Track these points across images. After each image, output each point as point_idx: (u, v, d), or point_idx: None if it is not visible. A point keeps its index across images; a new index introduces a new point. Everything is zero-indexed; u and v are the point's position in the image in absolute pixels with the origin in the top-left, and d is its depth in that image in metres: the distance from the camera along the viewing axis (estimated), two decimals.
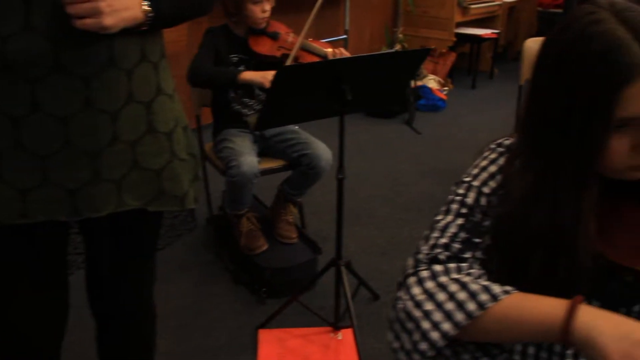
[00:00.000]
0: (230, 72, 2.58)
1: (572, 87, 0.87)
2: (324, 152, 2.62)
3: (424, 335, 0.88)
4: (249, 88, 2.67)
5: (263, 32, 2.71)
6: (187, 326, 2.46)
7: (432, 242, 1.00)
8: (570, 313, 0.81)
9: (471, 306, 0.87)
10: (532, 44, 2.94)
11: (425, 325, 0.89)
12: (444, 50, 5.90)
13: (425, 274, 0.95)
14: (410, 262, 1.01)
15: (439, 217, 1.04)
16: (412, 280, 0.95)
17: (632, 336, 0.78)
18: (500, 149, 1.08)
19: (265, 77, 2.47)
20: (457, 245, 0.99)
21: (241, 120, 2.69)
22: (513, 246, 0.97)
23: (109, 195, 1.30)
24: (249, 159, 2.46)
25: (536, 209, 0.94)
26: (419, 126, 4.84)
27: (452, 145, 4.39)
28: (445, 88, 5.72)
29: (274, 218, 2.85)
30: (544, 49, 0.95)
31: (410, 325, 0.90)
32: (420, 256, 1.00)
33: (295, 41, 2.67)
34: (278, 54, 2.64)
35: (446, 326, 0.87)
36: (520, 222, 0.95)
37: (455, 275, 0.94)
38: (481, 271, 0.98)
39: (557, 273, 0.94)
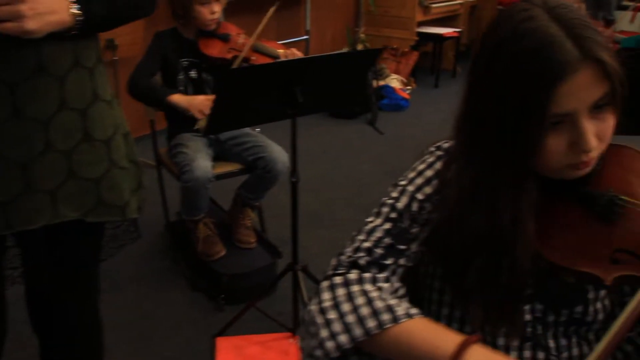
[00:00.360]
0: (160, 94, 2.51)
1: (506, 84, 0.86)
2: (280, 155, 2.59)
3: (321, 343, 0.87)
4: (202, 92, 2.62)
5: (213, 34, 2.66)
6: (143, 336, 2.40)
7: (356, 244, 0.99)
8: (459, 351, 0.80)
9: (371, 323, 0.86)
10: None
11: (324, 333, 0.87)
12: (406, 50, 5.91)
13: (338, 280, 0.93)
14: (333, 262, 0.99)
15: (370, 219, 1.02)
16: (325, 284, 0.94)
17: None
18: (439, 152, 1.06)
19: (192, 102, 2.41)
20: (379, 251, 0.97)
21: (195, 125, 2.64)
22: (452, 251, 0.96)
23: (43, 207, 1.25)
24: (202, 164, 2.42)
25: (474, 211, 0.93)
26: (382, 126, 4.83)
27: (415, 144, 4.32)
28: (408, 87, 5.73)
29: (232, 223, 2.81)
30: (478, 46, 0.93)
31: (313, 329, 0.89)
32: (343, 258, 0.98)
33: (247, 42, 2.63)
34: (229, 56, 2.60)
35: (343, 338, 0.86)
36: (458, 227, 0.94)
37: (367, 287, 0.92)
38: (397, 284, 0.96)
39: (498, 276, 0.93)
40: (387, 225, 0.99)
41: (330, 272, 0.97)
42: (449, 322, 1.08)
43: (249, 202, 2.78)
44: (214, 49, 2.65)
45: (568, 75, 0.82)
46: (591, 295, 1.01)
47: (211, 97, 2.39)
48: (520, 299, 0.98)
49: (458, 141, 0.99)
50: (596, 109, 0.86)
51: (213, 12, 2.57)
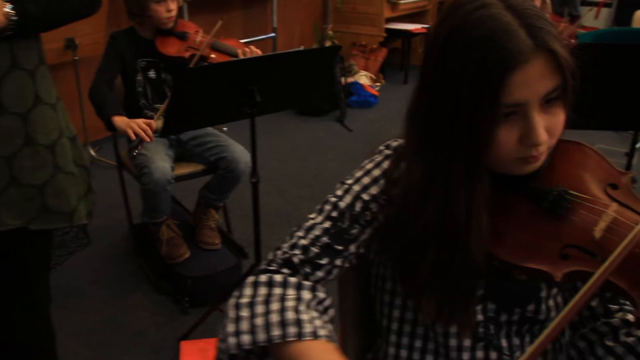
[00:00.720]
0: (106, 111, 2.40)
1: (458, 74, 0.84)
2: (242, 154, 2.55)
3: (225, 337, 0.86)
4: (161, 93, 2.57)
5: (170, 33, 2.61)
6: (105, 343, 2.35)
7: (293, 240, 0.98)
8: None
9: (276, 332, 0.85)
10: None
11: (230, 328, 0.86)
12: (374, 46, 5.90)
13: (263, 278, 0.92)
14: (269, 256, 0.98)
15: (311, 216, 1.01)
16: (250, 280, 0.93)
17: None
18: (387, 151, 1.04)
19: (130, 125, 2.32)
20: (315, 250, 0.96)
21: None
22: (403, 248, 0.94)
23: None
24: (161, 165, 2.37)
25: (426, 206, 0.91)
26: (351, 123, 4.82)
27: (384, 141, 4.36)
28: (377, 84, 5.73)
29: (196, 224, 2.76)
30: (431, 36, 0.91)
31: (225, 321, 0.88)
32: (278, 253, 0.97)
33: (205, 40, 2.58)
34: (187, 54, 2.55)
35: (245, 338, 0.85)
36: (409, 223, 0.92)
37: (288, 292, 0.91)
38: (322, 295, 0.94)
39: (450, 272, 0.92)
40: (327, 224, 0.98)
41: (262, 267, 0.96)
42: (401, 324, 1.06)
43: (213, 203, 2.74)
44: (172, 48, 2.60)
45: (521, 64, 0.80)
46: (543, 293, 1.00)
47: (149, 121, 2.32)
48: (472, 297, 0.97)
49: (409, 137, 0.97)
50: (547, 102, 0.85)
51: (169, 10, 2.52)
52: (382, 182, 0.99)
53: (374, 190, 0.99)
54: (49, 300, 1.50)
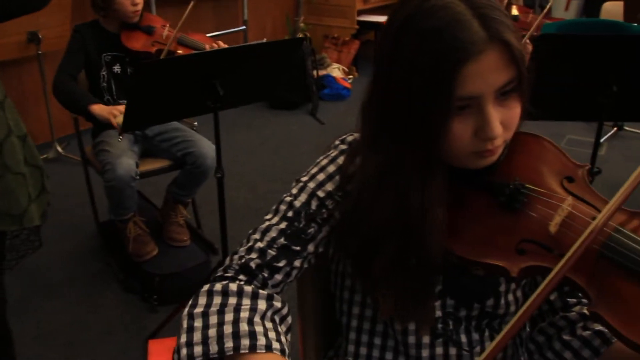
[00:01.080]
0: (82, 102, 2.38)
1: (411, 65, 0.82)
2: (209, 149, 2.51)
3: (179, 348, 0.84)
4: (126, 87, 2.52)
5: (136, 27, 2.56)
6: (73, 343, 2.30)
7: (250, 244, 0.95)
8: None
9: (228, 344, 0.82)
10: None
11: (183, 338, 0.84)
12: (347, 39, 5.87)
13: (218, 287, 0.89)
14: (226, 262, 0.95)
15: (267, 216, 0.98)
16: (205, 288, 0.90)
17: None
18: (343, 146, 1.03)
19: (112, 112, 2.30)
20: (272, 252, 0.94)
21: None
22: (360, 243, 0.92)
23: None
24: (125, 162, 2.32)
25: (381, 200, 0.89)
26: (323, 116, 4.80)
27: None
28: (350, 76, 5.70)
29: (164, 221, 2.72)
30: (385, 26, 0.89)
31: (179, 331, 0.86)
32: (235, 258, 0.94)
33: (171, 35, 2.54)
34: (153, 49, 2.51)
35: (197, 349, 0.82)
36: (365, 217, 0.90)
37: (244, 302, 0.88)
38: (279, 305, 0.92)
39: (407, 268, 0.90)
40: (283, 225, 0.96)
41: (219, 274, 0.93)
42: (360, 322, 1.05)
43: (181, 199, 2.70)
44: (137, 42, 2.55)
45: (474, 56, 0.78)
46: (502, 287, 1.00)
47: None
48: (430, 293, 0.96)
49: (363, 130, 0.95)
50: (502, 95, 0.83)
51: (135, 4, 2.47)
52: (337, 178, 0.97)
53: (329, 186, 0.97)
54: (4, 303, 1.45)
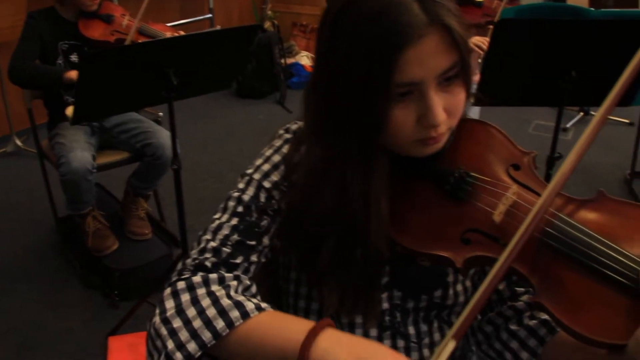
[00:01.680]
0: (54, 72, 2.33)
1: (350, 50, 0.79)
2: (168, 140, 2.44)
3: (168, 356, 0.78)
4: None
5: (95, 15, 2.48)
6: (31, 342, 2.25)
7: (202, 245, 0.90)
8: (309, 339, 0.74)
9: (220, 324, 0.78)
10: None
11: (170, 344, 0.78)
12: (315, 26, 5.79)
13: (181, 285, 0.84)
14: (178, 267, 0.90)
15: (216, 216, 0.94)
16: (167, 292, 0.84)
17: None
18: (287, 135, 1.00)
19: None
20: (227, 250, 0.89)
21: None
22: (304, 234, 0.90)
23: None
24: (79, 155, 2.26)
25: (324, 190, 0.86)
26: (291, 105, 4.75)
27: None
28: None
29: (125, 214, 2.66)
30: (325, 11, 0.85)
31: (158, 343, 0.80)
32: (188, 261, 0.89)
33: (132, 24, 2.47)
34: (112, 39, 2.44)
35: (192, 347, 0.77)
36: (308, 208, 0.88)
37: (213, 288, 0.84)
38: (248, 282, 0.89)
39: (352, 260, 0.88)
40: (234, 221, 0.91)
41: (174, 278, 0.87)
42: (306, 316, 1.02)
43: (141, 192, 2.64)
44: (96, 31, 2.47)
45: (413, 40, 0.75)
46: (450, 278, 0.98)
47: None
48: (376, 285, 0.93)
49: (307, 119, 0.92)
50: (446, 81, 0.80)
51: None
52: (282, 168, 0.94)
53: (275, 177, 0.94)
54: None
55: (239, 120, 4.44)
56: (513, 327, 0.96)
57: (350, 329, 0.97)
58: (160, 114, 4.09)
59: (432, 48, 0.77)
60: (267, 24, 5.42)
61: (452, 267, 0.83)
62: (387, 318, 0.97)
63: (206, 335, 0.78)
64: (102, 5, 2.51)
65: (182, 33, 2.53)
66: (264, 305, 0.81)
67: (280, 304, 1.08)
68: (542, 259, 0.80)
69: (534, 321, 0.94)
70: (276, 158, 0.95)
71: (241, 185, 0.94)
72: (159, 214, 2.91)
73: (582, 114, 4.40)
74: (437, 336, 1.00)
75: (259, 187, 0.93)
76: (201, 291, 0.83)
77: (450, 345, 0.74)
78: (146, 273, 2.48)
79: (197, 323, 0.79)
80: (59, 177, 2.32)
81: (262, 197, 0.93)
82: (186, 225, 2.33)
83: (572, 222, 0.80)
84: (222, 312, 0.79)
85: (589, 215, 0.82)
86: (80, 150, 2.27)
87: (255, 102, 4.84)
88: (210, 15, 4.90)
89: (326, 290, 0.92)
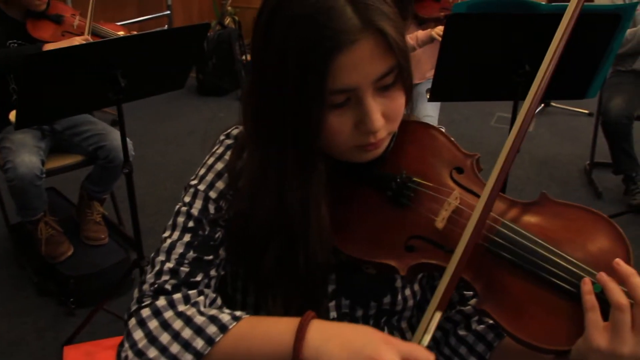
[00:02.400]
0: (27, 50, 2.20)
1: (282, 55, 0.76)
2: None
3: None
4: None
5: (43, 15, 2.40)
6: None
7: (157, 267, 0.85)
8: (299, 341, 0.72)
9: (199, 343, 0.75)
10: None
11: None
12: None
13: (145, 312, 0.79)
14: (136, 294, 0.85)
15: (166, 234, 0.89)
16: (132, 322, 0.80)
17: (362, 353, 0.69)
18: (229, 141, 0.96)
19: (72, 42, 2.15)
20: (185, 269, 0.85)
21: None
22: (248, 243, 0.87)
23: None
24: (27, 159, 2.18)
25: (264, 198, 0.84)
26: None
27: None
28: None
29: (80, 219, 2.59)
30: (258, 12, 0.82)
31: None
32: (145, 287, 0.84)
33: (83, 24, 2.39)
34: (63, 39, 2.35)
35: None
36: (251, 216, 0.85)
37: (181, 308, 0.80)
38: (213, 295, 0.86)
39: (295, 269, 0.85)
40: (187, 237, 0.87)
41: (134, 307, 0.82)
42: None
43: (96, 195, 2.58)
44: (45, 32, 2.39)
45: (346, 45, 0.72)
46: (399, 283, 0.96)
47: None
48: (323, 293, 0.90)
49: (246, 124, 0.89)
50: (384, 86, 0.78)
51: None
52: (226, 176, 0.90)
53: (220, 185, 0.90)
54: None
55: (200, 119, 4.38)
56: (461, 332, 0.95)
57: None
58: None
59: (366, 53, 0.74)
60: (228, 20, 5.34)
61: (397, 275, 0.81)
62: None
63: (187, 359, 0.74)
64: (51, 5, 2.43)
65: (134, 33, 2.47)
66: (238, 313, 0.79)
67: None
68: (486, 266, 0.78)
69: (482, 326, 0.93)
70: (219, 166, 0.91)
71: (187, 199, 0.90)
72: (116, 217, 2.84)
73: (542, 105, 4.44)
74: None
75: (206, 198, 0.89)
76: (169, 314, 0.79)
77: (437, 316, 0.74)
78: (103, 279, 2.41)
79: (174, 348, 0.75)
80: (6, 183, 2.24)
81: (211, 208, 0.88)
82: (145, 228, 2.28)
83: (515, 227, 0.79)
84: (199, 331, 0.76)
85: (531, 219, 0.81)
86: (27, 155, 2.19)
87: (216, 99, 4.77)
88: (168, 12, 4.81)
89: (271, 299, 0.89)
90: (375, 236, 0.85)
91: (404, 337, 0.99)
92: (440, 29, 2.55)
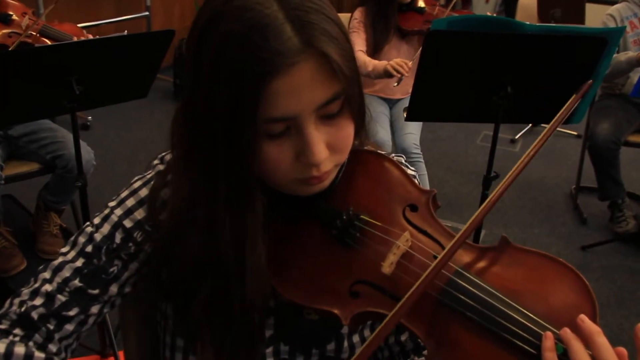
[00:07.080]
0: None
1: (213, 77, 0.66)
2: (83, 151, 2.24)
3: None
4: None
5: None
6: None
7: (37, 285, 0.79)
8: None
9: None
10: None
11: None
12: None
13: None
14: (5, 306, 0.78)
15: (64, 249, 0.81)
16: None
17: None
18: (161, 167, 0.86)
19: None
20: (62, 298, 0.77)
21: None
22: (175, 283, 0.78)
23: None
24: None
25: (191, 235, 0.74)
26: None
27: None
28: None
29: (36, 230, 2.45)
30: (191, 27, 0.72)
31: None
32: (15, 305, 0.77)
33: (36, 25, 2.25)
34: (10, 41, 2.22)
35: None
36: (175, 254, 0.76)
37: None
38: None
39: (227, 313, 0.76)
40: (79, 262, 0.79)
41: None
42: None
43: (54, 206, 2.44)
44: None
45: (283, 69, 0.63)
46: (345, 329, 0.86)
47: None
48: (258, 339, 0.81)
49: (174, 150, 0.80)
50: (328, 114, 0.69)
51: None
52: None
53: (138, 215, 0.80)
54: None
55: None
56: None
57: None
58: (90, 117, 3.86)
59: (306, 78, 0.64)
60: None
61: (340, 323, 0.71)
62: None
63: None
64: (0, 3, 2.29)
65: (90, 36, 2.34)
66: None
67: (158, 357, 0.94)
68: (440, 319, 0.69)
69: None
70: (143, 192, 0.82)
71: (97, 220, 0.81)
72: (77, 230, 2.70)
73: (530, 125, 4.35)
74: None
75: (116, 226, 0.80)
76: None
77: None
78: None
79: None
80: None
81: (118, 237, 0.80)
82: None
83: (472, 277, 0.69)
84: None
85: (490, 267, 0.72)
86: None
87: None
88: (147, 13, 4.67)
89: (200, 344, 0.79)
90: (317, 279, 0.75)
91: None
92: (396, 63, 2.42)
